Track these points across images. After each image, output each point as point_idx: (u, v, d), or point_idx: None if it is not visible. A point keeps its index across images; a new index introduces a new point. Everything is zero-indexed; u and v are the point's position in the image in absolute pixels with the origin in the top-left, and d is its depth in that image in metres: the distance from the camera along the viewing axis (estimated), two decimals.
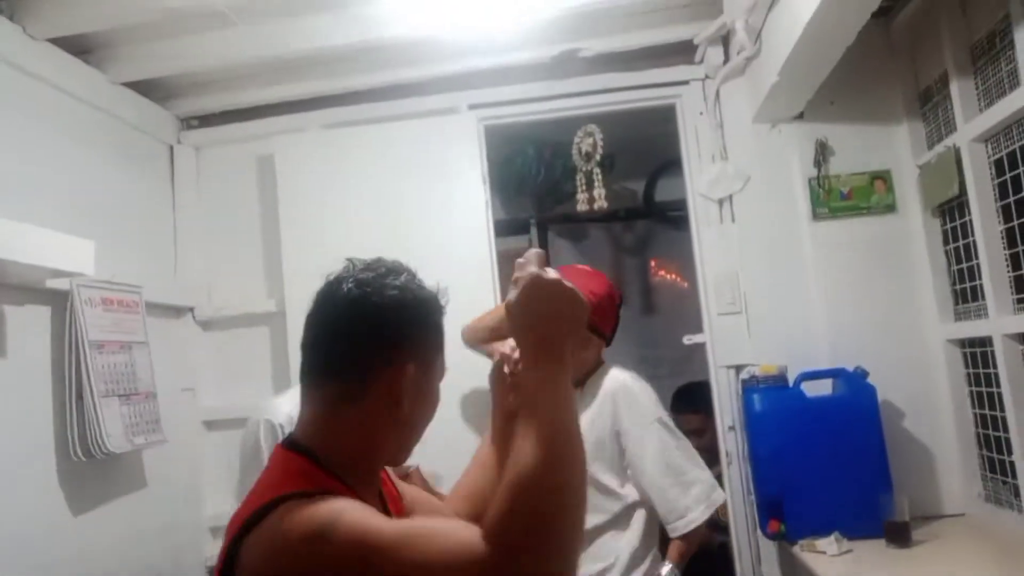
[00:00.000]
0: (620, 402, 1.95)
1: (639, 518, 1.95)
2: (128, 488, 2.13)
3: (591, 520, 1.85)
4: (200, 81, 2.56)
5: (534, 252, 1.00)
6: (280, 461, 0.98)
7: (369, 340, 0.97)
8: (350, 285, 0.98)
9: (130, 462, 2.13)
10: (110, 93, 2.31)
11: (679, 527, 1.89)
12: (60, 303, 1.92)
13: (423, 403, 1.01)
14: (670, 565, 1.89)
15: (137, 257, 2.37)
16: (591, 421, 1.93)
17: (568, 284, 0.95)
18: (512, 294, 0.96)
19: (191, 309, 2.58)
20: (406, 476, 1.81)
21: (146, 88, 2.48)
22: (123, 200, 2.34)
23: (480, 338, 2.06)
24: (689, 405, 2.82)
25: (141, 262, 2.38)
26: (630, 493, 1.94)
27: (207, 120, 2.71)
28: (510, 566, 0.78)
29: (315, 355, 1.01)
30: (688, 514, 1.88)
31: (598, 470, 1.91)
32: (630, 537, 1.92)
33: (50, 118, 2.06)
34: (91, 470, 1.94)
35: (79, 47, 2.20)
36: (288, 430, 1.25)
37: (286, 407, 1.77)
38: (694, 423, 2.71)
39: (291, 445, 0.99)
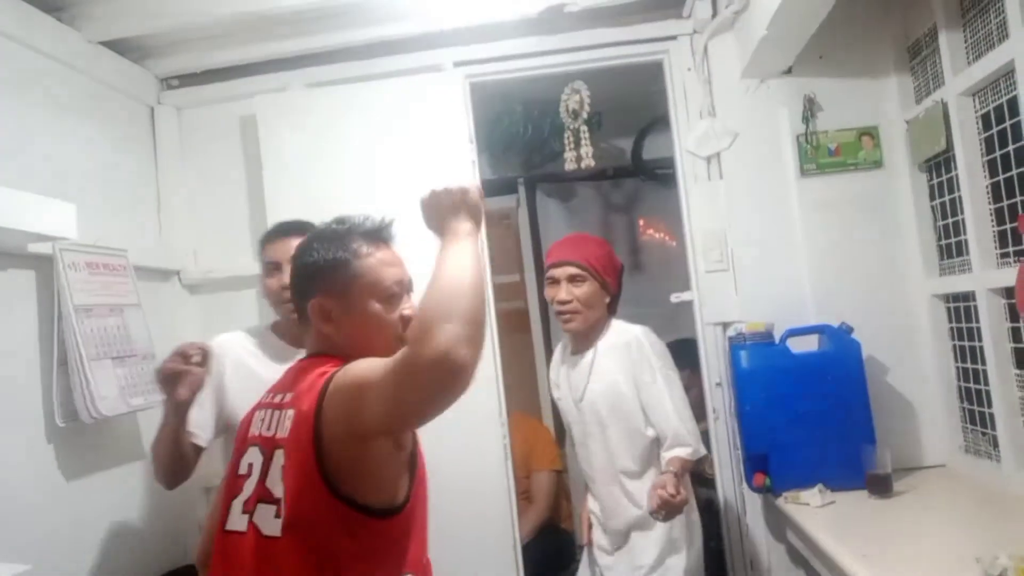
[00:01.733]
0: (635, 355, 2.04)
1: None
2: (121, 452, 2.14)
3: (620, 463, 2.04)
4: (180, 39, 2.50)
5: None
6: (314, 362, 1.31)
7: (294, 283, 1.38)
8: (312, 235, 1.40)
9: (122, 426, 2.13)
10: (86, 52, 2.25)
11: (683, 453, 1.95)
12: (45, 268, 1.90)
13: (349, 325, 1.31)
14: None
15: (121, 220, 2.34)
16: (603, 370, 2.05)
17: (440, 187, 1.31)
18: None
19: (177, 272, 2.57)
20: None
21: (124, 47, 2.42)
22: (104, 163, 2.31)
23: None
24: (677, 361, 2.84)
25: (125, 225, 2.35)
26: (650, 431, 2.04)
27: (188, 80, 2.65)
28: (426, 345, 1.05)
29: (295, 288, 1.39)
30: (694, 446, 1.96)
31: (621, 417, 2.03)
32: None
33: (23, 79, 2.00)
34: (82, 435, 1.94)
35: (51, 4, 2.13)
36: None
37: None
38: (682, 380, 2.73)
39: (315, 354, 1.35)
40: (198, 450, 1.83)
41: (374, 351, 1.25)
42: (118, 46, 2.39)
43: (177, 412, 1.69)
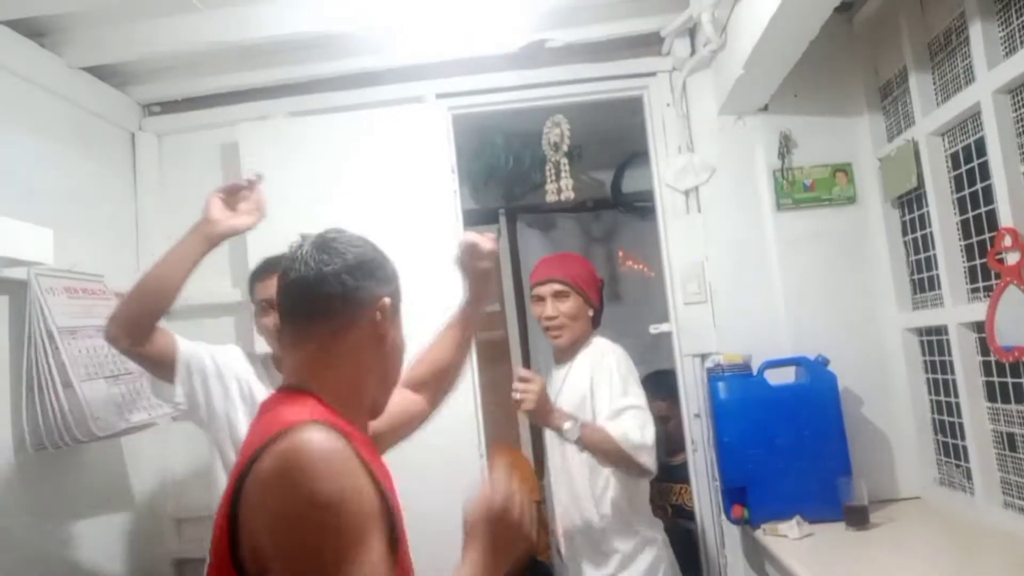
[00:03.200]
0: (597, 363, 2.07)
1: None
2: (92, 481, 2.10)
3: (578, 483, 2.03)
4: (162, 67, 2.51)
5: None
6: (285, 398, 1.08)
7: (349, 280, 1.09)
8: (315, 242, 1.12)
9: (95, 454, 2.09)
10: (68, 78, 2.25)
11: (612, 429, 1.92)
12: (19, 293, 1.87)
13: (396, 338, 1.16)
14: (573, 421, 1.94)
15: (98, 246, 2.32)
16: (574, 382, 2.09)
17: (523, 529, 1.10)
18: (475, 515, 1.10)
19: None
20: None
21: (106, 73, 2.42)
22: (83, 188, 2.29)
23: None
24: (656, 392, 2.85)
25: (103, 251, 2.33)
26: None
27: (169, 107, 2.65)
28: None
29: (299, 305, 1.11)
30: (634, 441, 1.91)
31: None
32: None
33: (3, 103, 1.99)
34: (54, 463, 1.91)
35: (34, 29, 2.13)
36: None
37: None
38: (661, 410, 2.74)
39: (286, 387, 1.10)
40: (169, 350, 1.74)
41: (397, 377, 1.20)
42: (100, 72, 2.39)
43: (211, 242, 1.66)
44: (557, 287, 2.14)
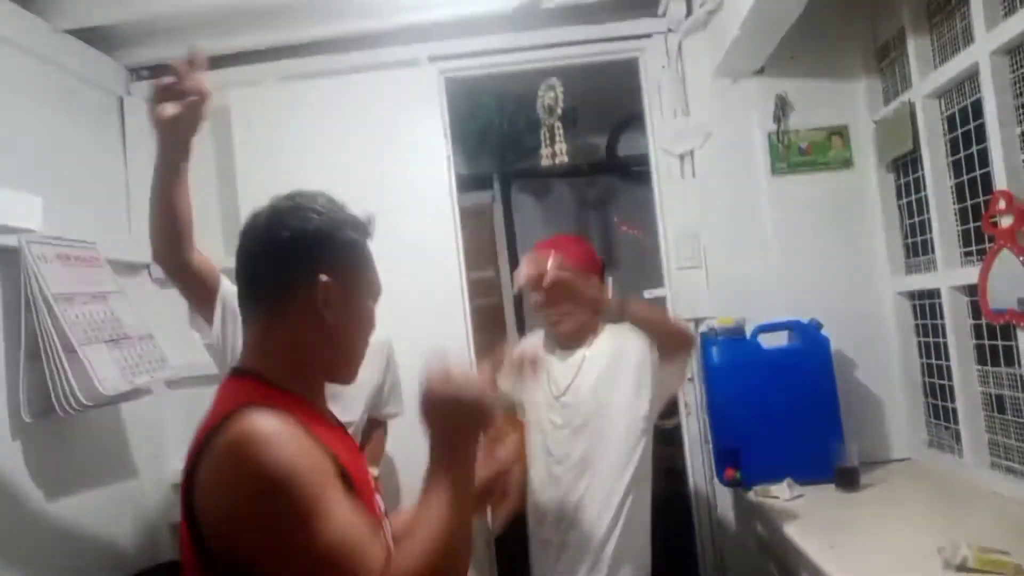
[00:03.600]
0: (633, 363, 1.94)
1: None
2: (91, 448, 2.11)
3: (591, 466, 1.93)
4: (150, 30, 2.46)
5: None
6: (227, 386, 1.07)
7: (285, 258, 1.06)
8: (267, 213, 1.09)
9: (90, 421, 2.10)
10: (53, 42, 2.21)
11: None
12: (10, 261, 1.86)
13: (349, 315, 1.09)
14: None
15: (89, 213, 2.30)
16: (595, 374, 1.96)
17: (469, 396, 1.03)
18: (421, 393, 1.04)
19: (147, 266, 2.53)
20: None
21: (92, 37, 2.37)
22: (71, 155, 2.26)
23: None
24: None
25: (93, 218, 2.31)
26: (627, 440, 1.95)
27: (158, 71, 2.61)
28: None
29: (243, 283, 1.10)
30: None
31: (603, 421, 1.94)
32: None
33: None
34: (52, 431, 1.90)
35: None
36: None
37: None
38: None
39: (235, 372, 1.08)
40: (211, 282, 1.72)
41: (358, 355, 1.13)
42: (86, 35, 2.34)
43: (166, 145, 1.52)
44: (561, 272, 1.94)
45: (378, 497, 1.14)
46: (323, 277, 1.05)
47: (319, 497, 0.91)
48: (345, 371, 1.14)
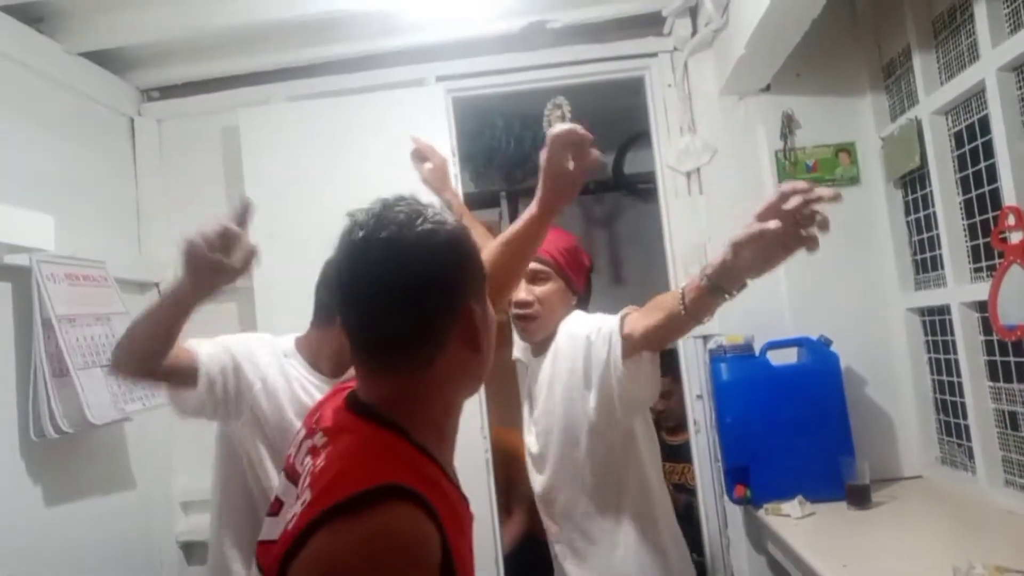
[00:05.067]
0: (576, 334, 1.74)
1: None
2: (98, 466, 2.11)
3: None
4: (161, 52, 2.49)
5: None
6: (358, 430, 0.89)
7: (432, 298, 0.88)
8: (377, 248, 0.88)
9: (100, 439, 2.11)
10: (66, 64, 2.24)
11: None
12: (21, 280, 1.87)
13: (486, 344, 0.95)
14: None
15: (99, 232, 2.32)
16: (557, 380, 1.75)
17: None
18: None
19: (156, 285, 2.54)
20: None
21: (104, 59, 2.41)
22: (83, 175, 2.29)
23: None
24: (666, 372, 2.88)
25: (104, 237, 2.33)
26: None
27: (169, 92, 2.64)
28: None
29: (374, 327, 0.90)
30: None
31: (577, 387, 1.71)
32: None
33: (1, 90, 1.99)
34: (59, 449, 1.91)
35: (31, 15, 2.12)
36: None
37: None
38: (664, 385, 2.75)
39: (368, 412, 0.90)
40: (190, 366, 1.56)
41: (482, 379, 0.99)
42: (98, 58, 2.38)
43: (187, 295, 1.37)
44: (534, 265, 1.76)
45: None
46: (471, 304, 0.91)
47: None
48: (476, 389, 1.01)
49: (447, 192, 2.23)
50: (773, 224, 1.18)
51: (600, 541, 1.74)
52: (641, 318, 1.54)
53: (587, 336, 1.67)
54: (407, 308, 0.87)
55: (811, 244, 1.22)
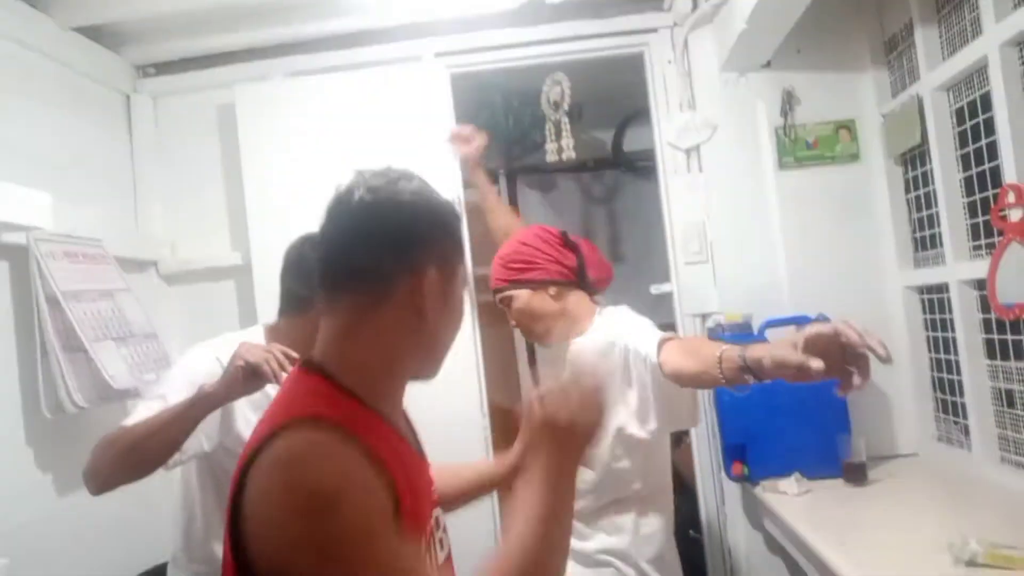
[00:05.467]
0: (623, 357, 1.69)
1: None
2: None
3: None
4: (156, 27, 2.46)
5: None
6: (293, 381, 0.99)
7: (388, 244, 0.95)
8: (362, 192, 0.96)
9: (102, 418, 2.11)
10: (60, 39, 2.21)
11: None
12: (19, 258, 1.87)
13: (447, 311, 1.00)
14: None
15: (96, 210, 2.31)
16: (585, 358, 1.74)
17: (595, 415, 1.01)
18: (540, 412, 0.99)
19: (154, 263, 2.54)
20: None
21: (98, 34, 2.38)
22: (78, 152, 2.27)
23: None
24: None
25: (101, 215, 2.32)
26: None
27: (164, 68, 2.62)
28: None
29: (331, 267, 0.98)
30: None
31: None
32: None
33: None
34: (61, 426, 1.92)
35: None
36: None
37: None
38: None
39: (306, 364, 0.98)
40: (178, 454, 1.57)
41: (446, 351, 1.04)
42: (93, 33, 2.35)
43: (218, 400, 1.46)
44: (501, 295, 1.81)
45: (436, 514, 1.06)
46: (430, 267, 0.96)
47: (368, 541, 0.83)
48: (432, 368, 1.04)
49: (480, 171, 2.38)
50: (816, 365, 1.16)
51: (602, 527, 1.75)
52: (677, 355, 1.52)
53: (625, 346, 1.66)
54: (368, 242, 0.95)
55: (847, 387, 1.16)
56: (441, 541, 1.05)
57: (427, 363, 1.02)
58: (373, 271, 0.95)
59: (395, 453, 0.94)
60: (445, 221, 1.00)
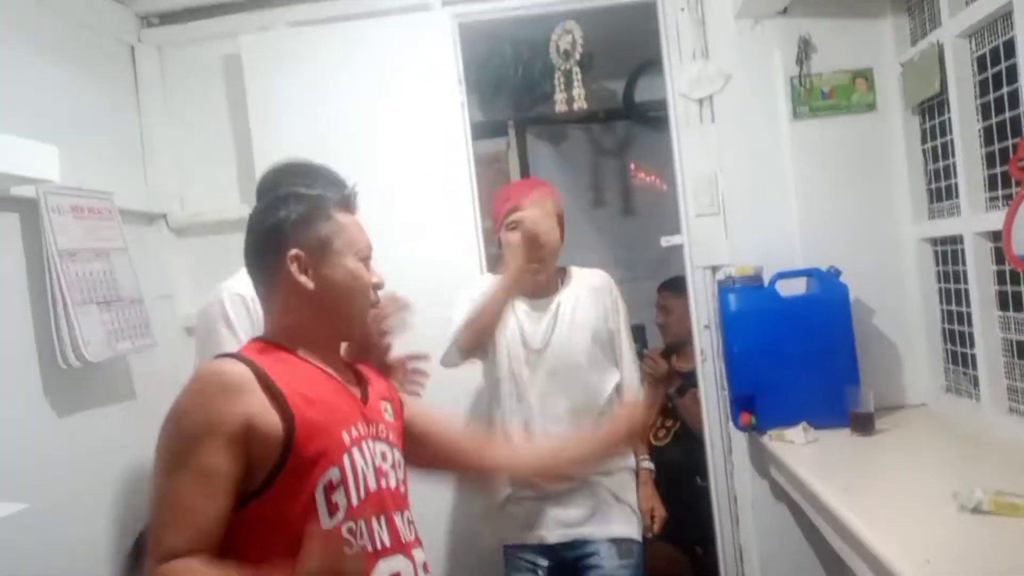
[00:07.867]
0: (608, 302, 2.10)
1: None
2: (114, 395, 2.15)
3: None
4: None
5: None
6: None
7: (261, 240, 1.27)
8: (259, 205, 1.32)
9: (116, 369, 2.14)
10: None
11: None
12: (29, 211, 1.87)
13: (328, 279, 1.25)
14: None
15: (103, 163, 2.30)
16: (576, 320, 2.03)
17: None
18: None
19: (164, 216, 2.54)
20: None
21: None
22: (84, 105, 2.25)
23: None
24: (671, 288, 2.91)
25: (108, 168, 2.31)
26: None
27: (169, 18, 2.58)
28: None
29: (246, 264, 1.32)
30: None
31: (599, 352, 2.05)
32: None
33: None
34: (76, 378, 1.94)
35: None
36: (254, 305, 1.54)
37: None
38: (668, 299, 2.90)
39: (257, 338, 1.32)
40: None
41: (351, 309, 1.29)
42: None
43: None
44: (516, 214, 1.99)
45: (365, 446, 1.23)
46: (292, 251, 1.23)
47: (190, 452, 1.09)
48: (346, 327, 1.32)
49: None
50: None
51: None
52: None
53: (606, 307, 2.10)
54: (251, 242, 1.30)
55: None
56: (381, 470, 1.24)
57: (337, 322, 1.29)
58: (262, 263, 1.28)
59: (310, 382, 1.21)
60: (303, 208, 1.26)
